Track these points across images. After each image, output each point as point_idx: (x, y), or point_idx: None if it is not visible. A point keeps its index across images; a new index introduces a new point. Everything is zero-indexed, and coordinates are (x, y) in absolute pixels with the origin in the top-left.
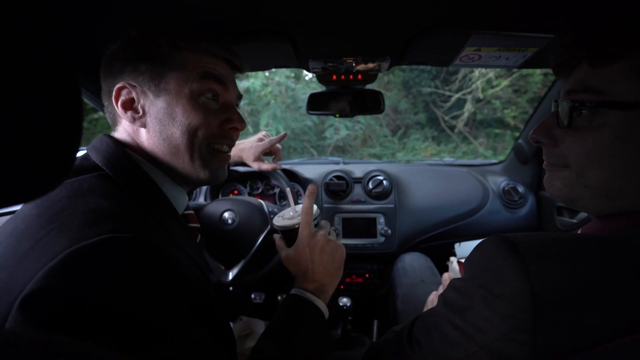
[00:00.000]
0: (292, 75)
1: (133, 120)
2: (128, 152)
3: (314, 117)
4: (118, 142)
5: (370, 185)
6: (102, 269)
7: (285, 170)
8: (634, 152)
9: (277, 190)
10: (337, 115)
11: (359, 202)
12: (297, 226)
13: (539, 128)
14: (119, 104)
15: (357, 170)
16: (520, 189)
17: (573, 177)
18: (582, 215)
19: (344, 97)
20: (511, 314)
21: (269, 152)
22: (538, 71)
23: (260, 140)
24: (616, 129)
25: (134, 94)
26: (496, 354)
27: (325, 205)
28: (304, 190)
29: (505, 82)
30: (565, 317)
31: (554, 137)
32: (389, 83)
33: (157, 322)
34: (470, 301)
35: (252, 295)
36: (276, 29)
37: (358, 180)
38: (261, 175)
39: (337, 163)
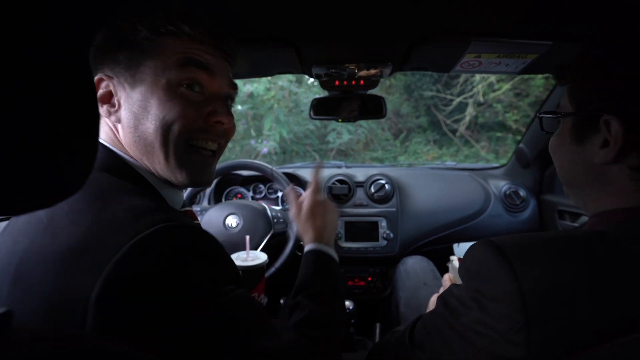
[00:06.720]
0: (295, 79)
1: (109, 114)
2: (119, 154)
3: (317, 122)
4: (105, 146)
5: (372, 189)
6: (166, 253)
7: (287, 174)
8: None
9: (279, 193)
10: (340, 120)
11: (361, 205)
12: (253, 268)
13: None
14: (97, 97)
15: (359, 174)
16: (522, 192)
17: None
18: (584, 218)
19: (347, 102)
20: (505, 315)
21: None
22: (539, 75)
23: None
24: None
25: (111, 87)
26: (495, 356)
27: None
28: None
29: (506, 86)
30: (555, 315)
31: None
32: (390, 87)
33: (218, 288)
34: (466, 305)
35: None
36: (280, 35)
37: (360, 184)
38: (264, 179)
39: (339, 167)
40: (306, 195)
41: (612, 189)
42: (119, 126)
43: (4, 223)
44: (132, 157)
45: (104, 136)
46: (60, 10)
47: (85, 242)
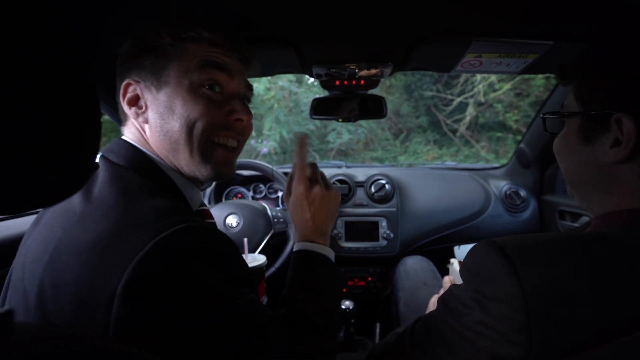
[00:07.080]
0: (295, 79)
1: (136, 116)
2: (146, 153)
3: (317, 121)
4: (133, 145)
5: (373, 189)
6: (185, 252)
7: (287, 174)
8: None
9: (279, 193)
10: (340, 120)
11: (361, 205)
12: (252, 270)
13: None
14: (125, 100)
15: (360, 174)
16: (522, 193)
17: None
18: (585, 219)
19: (347, 101)
20: (506, 315)
21: None
22: (540, 75)
23: None
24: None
25: (138, 90)
26: (495, 356)
27: None
28: None
29: (507, 86)
30: (556, 315)
31: None
32: (390, 87)
33: (232, 290)
34: (467, 306)
35: None
36: (280, 35)
37: (360, 184)
38: (264, 179)
39: (339, 167)
40: (293, 183)
41: (619, 189)
42: (146, 126)
43: (31, 217)
44: (158, 156)
45: (132, 136)
46: (60, 10)
47: (112, 237)
